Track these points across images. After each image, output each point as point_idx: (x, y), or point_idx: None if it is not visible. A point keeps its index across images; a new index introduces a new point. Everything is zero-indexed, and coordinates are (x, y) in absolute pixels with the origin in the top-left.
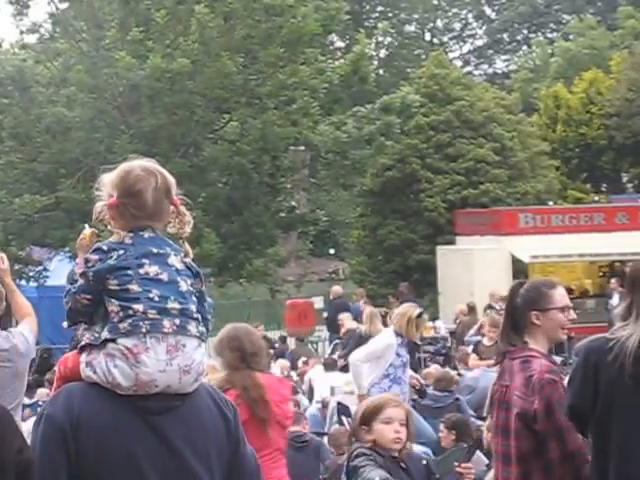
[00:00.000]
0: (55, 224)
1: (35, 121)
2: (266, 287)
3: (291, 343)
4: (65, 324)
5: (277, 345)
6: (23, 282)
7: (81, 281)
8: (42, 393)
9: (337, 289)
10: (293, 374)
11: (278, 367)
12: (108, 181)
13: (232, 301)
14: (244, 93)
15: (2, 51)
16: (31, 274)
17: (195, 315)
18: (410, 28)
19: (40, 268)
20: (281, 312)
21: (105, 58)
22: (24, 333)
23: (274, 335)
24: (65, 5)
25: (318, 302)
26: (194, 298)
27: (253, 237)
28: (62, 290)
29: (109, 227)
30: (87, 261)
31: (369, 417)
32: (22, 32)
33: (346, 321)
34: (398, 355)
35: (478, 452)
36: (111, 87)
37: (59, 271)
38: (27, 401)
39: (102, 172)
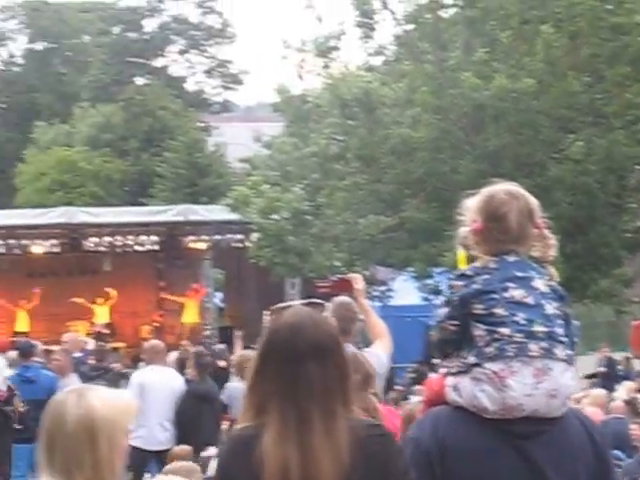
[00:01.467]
0: (398, 244)
1: (380, 142)
2: (611, 308)
3: (636, 364)
4: (436, 360)
5: (621, 367)
6: (367, 301)
7: (446, 309)
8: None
9: None
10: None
11: (624, 389)
12: (472, 206)
13: (576, 322)
14: (590, 112)
15: (349, 74)
16: (375, 294)
17: (561, 338)
18: None
19: (384, 288)
20: (626, 333)
21: (450, 79)
22: (378, 353)
23: (619, 356)
24: (410, 27)
25: None
26: (560, 321)
27: (599, 257)
28: (405, 310)
29: (473, 252)
30: (451, 287)
31: None
32: (369, 54)
33: None
34: None
35: None
36: (456, 108)
37: (402, 291)
38: None
39: (465, 197)
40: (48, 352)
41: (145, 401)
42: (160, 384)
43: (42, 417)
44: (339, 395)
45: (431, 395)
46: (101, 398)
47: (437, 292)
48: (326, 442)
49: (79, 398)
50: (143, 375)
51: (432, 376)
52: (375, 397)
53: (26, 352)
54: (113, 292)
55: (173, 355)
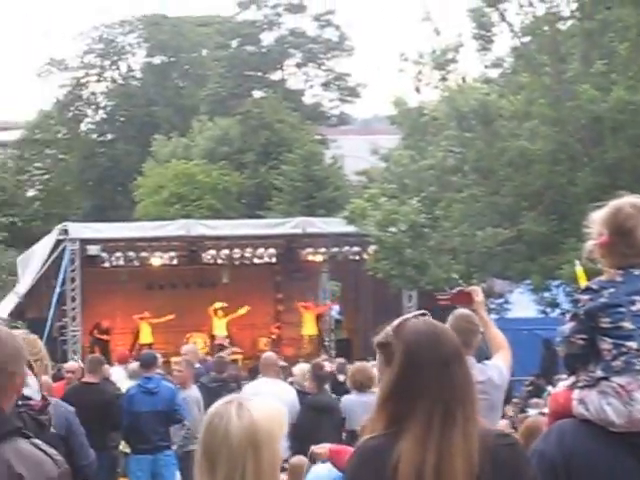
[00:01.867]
0: (516, 257)
1: (498, 154)
2: None
3: None
4: (564, 375)
5: None
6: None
7: (572, 323)
8: (502, 425)
9: None
10: None
11: None
12: (598, 219)
13: None
14: None
15: (466, 86)
16: (492, 306)
17: None
18: None
19: (501, 300)
20: None
21: (568, 91)
22: (498, 365)
23: None
24: (528, 39)
25: None
26: None
27: None
28: (522, 322)
29: (599, 265)
30: (577, 302)
31: None
32: (486, 66)
33: None
34: None
35: None
36: (573, 120)
37: (520, 304)
38: None
39: (585, 209)
40: (166, 363)
41: None
42: (268, 396)
43: (204, 426)
44: (473, 401)
45: (557, 408)
46: (260, 409)
47: (554, 305)
48: (463, 445)
49: (240, 410)
50: (253, 387)
51: (554, 390)
52: None
53: (148, 363)
54: (242, 310)
55: (300, 367)
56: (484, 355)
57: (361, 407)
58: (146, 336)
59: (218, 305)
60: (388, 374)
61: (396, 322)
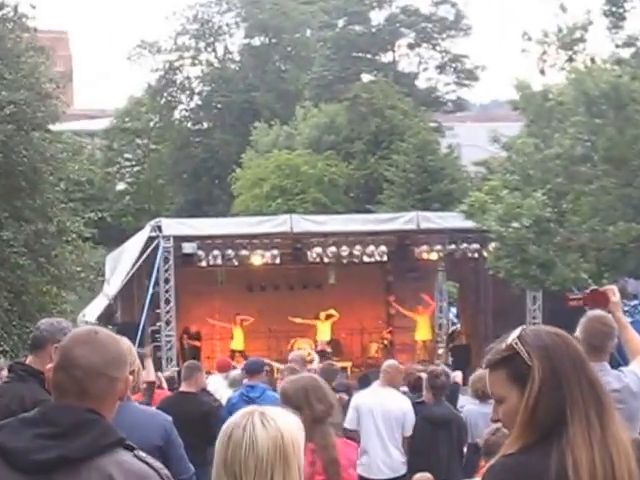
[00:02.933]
0: None
1: (631, 142)
2: None
3: None
4: None
5: None
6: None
7: None
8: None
9: None
10: None
11: None
12: None
13: None
14: None
15: (595, 67)
16: (625, 308)
17: None
18: None
19: (635, 302)
20: None
21: None
22: (636, 371)
23: None
24: None
25: None
26: None
27: None
28: None
29: None
30: None
31: None
32: (617, 46)
33: None
34: None
35: None
36: None
37: None
38: None
39: None
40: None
41: (362, 426)
42: (375, 407)
43: (222, 440)
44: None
45: None
46: (283, 419)
47: None
48: (621, 447)
49: (263, 419)
50: (360, 397)
51: None
52: (333, 427)
53: (254, 371)
54: (335, 314)
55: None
56: (615, 361)
57: (483, 418)
58: (237, 342)
59: (323, 315)
60: (532, 386)
61: (516, 333)
